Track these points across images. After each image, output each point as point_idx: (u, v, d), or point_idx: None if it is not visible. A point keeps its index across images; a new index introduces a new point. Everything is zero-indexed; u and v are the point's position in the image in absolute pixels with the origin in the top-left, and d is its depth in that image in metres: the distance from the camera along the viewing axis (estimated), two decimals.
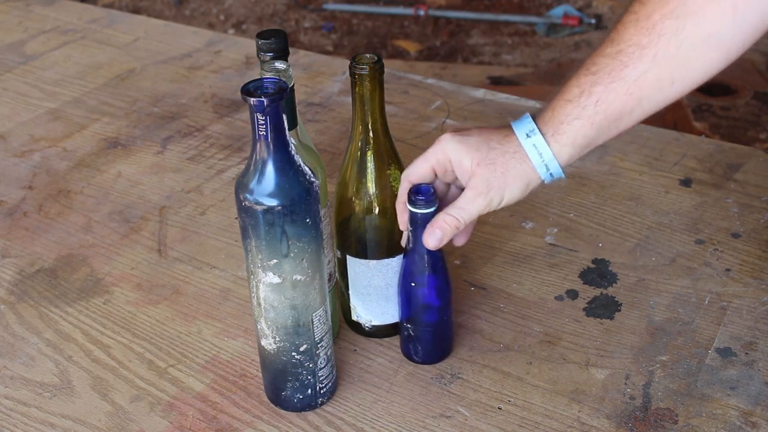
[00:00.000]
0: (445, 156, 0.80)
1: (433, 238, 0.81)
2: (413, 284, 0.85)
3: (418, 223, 0.82)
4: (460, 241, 0.85)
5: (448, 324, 0.89)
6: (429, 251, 0.83)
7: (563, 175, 0.80)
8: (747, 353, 0.90)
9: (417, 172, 0.82)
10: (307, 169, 0.75)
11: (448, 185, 0.85)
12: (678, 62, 0.74)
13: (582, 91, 0.77)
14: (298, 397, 0.84)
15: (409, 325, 0.88)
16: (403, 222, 0.84)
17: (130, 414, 0.87)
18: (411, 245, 0.84)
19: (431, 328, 0.88)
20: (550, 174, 0.80)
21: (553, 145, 0.78)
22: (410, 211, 0.82)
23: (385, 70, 0.82)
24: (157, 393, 0.89)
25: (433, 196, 0.81)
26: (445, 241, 0.81)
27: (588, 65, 0.77)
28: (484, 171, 0.79)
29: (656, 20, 0.73)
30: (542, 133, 0.78)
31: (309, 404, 0.85)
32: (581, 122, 0.77)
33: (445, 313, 0.88)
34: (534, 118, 0.79)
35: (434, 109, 1.37)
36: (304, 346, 0.81)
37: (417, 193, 0.81)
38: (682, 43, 0.73)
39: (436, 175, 0.82)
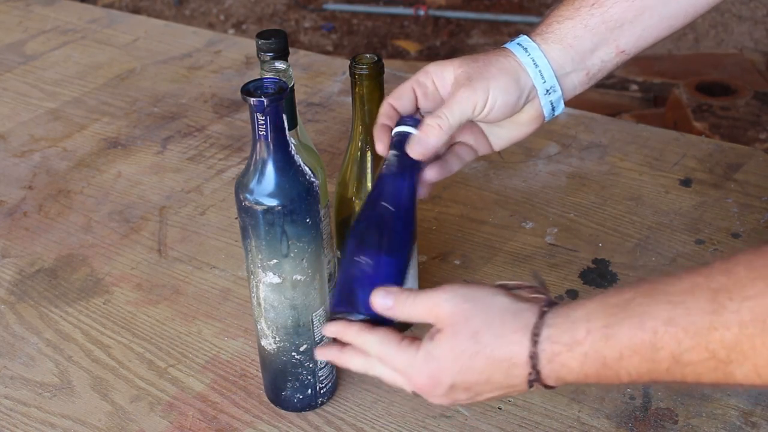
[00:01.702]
0: (426, 74, 0.75)
1: (418, 144, 0.72)
2: (386, 205, 0.72)
3: (403, 149, 0.73)
4: (433, 174, 0.75)
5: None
6: (410, 176, 0.73)
7: (556, 81, 0.74)
8: None
9: (397, 92, 0.76)
10: (307, 169, 0.75)
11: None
12: None
13: None
14: (298, 397, 0.84)
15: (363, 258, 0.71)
16: (382, 144, 0.74)
17: (130, 414, 0.87)
18: (389, 169, 0.73)
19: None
20: (540, 73, 0.73)
21: (540, 43, 0.74)
22: (396, 133, 0.74)
23: (385, 70, 0.82)
24: (157, 393, 0.89)
25: (421, 120, 0.73)
26: (431, 149, 0.73)
27: None
28: (465, 67, 0.73)
29: None
30: (530, 38, 0.74)
31: (309, 404, 0.85)
32: (573, 22, 0.73)
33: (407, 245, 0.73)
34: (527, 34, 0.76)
35: None
36: (304, 346, 0.81)
37: (405, 117, 0.74)
38: None
39: (417, 104, 0.76)
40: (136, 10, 3.80)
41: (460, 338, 0.62)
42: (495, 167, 1.21)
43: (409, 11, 3.65)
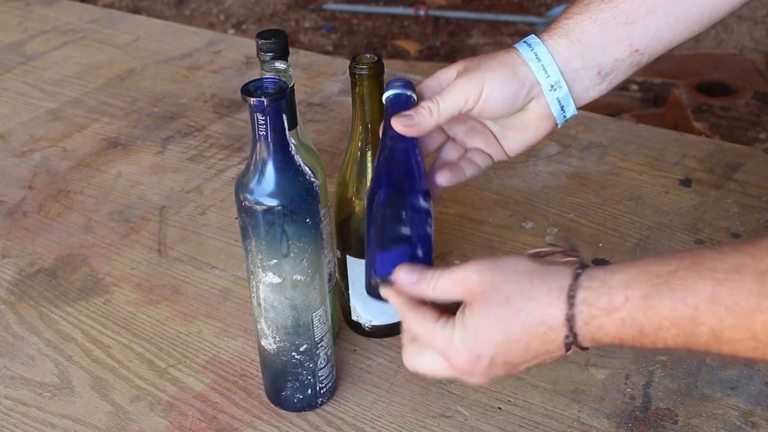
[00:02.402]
0: (434, 78, 0.75)
1: (405, 119, 0.71)
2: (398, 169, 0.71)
3: (390, 110, 0.72)
4: (445, 179, 0.75)
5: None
6: (398, 145, 0.72)
7: (561, 77, 0.73)
8: None
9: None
10: (307, 169, 0.75)
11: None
12: None
13: None
14: (298, 397, 0.84)
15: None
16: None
17: (130, 414, 0.87)
18: (386, 140, 0.73)
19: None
20: (543, 67, 0.72)
21: (546, 39, 0.73)
22: (386, 99, 0.73)
23: (385, 70, 0.82)
24: (157, 393, 0.89)
25: (412, 85, 0.73)
26: (415, 130, 0.71)
27: None
28: (466, 62, 0.73)
29: None
30: (538, 36, 0.74)
31: (309, 404, 0.85)
32: (582, 17, 0.72)
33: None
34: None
35: None
36: (304, 346, 0.81)
37: (394, 80, 0.74)
38: None
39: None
40: (136, 10, 3.80)
41: (494, 306, 0.61)
42: (495, 167, 1.21)
43: (409, 11, 3.65)
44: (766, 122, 2.49)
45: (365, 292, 0.71)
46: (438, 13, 3.65)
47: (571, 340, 0.60)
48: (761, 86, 2.64)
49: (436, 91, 0.75)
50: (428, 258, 0.68)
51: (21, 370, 0.93)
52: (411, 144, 0.72)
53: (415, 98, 0.74)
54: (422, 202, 0.70)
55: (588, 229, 1.09)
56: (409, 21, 3.66)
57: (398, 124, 0.71)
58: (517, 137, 0.78)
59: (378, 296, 0.69)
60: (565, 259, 0.63)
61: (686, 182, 1.16)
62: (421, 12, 3.62)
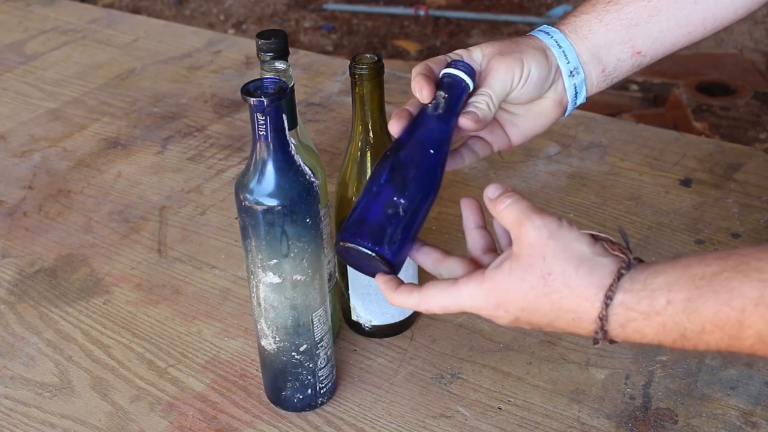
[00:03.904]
0: (457, 55, 0.75)
1: (470, 116, 0.71)
2: (432, 151, 0.70)
3: (453, 92, 0.71)
4: (467, 160, 0.76)
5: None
6: (454, 120, 0.71)
7: (577, 58, 0.75)
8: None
9: (433, 59, 0.75)
10: (307, 169, 0.75)
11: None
12: None
13: None
14: (298, 397, 0.84)
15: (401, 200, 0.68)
16: (428, 90, 0.71)
17: (130, 414, 0.87)
18: (435, 110, 0.71)
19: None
20: (564, 53, 0.74)
21: (560, 29, 0.76)
22: (446, 74, 0.72)
23: (385, 70, 0.82)
24: (157, 393, 0.89)
25: (475, 72, 0.72)
26: (481, 123, 0.72)
27: None
28: (493, 46, 0.74)
29: None
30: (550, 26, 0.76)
31: (309, 404, 0.85)
32: (588, 17, 0.75)
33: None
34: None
35: None
36: (304, 346, 0.81)
37: (457, 61, 0.72)
38: None
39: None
40: (136, 10, 3.80)
41: (532, 275, 0.61)
42: (495, 167, 1.21)
43: (409, 11, 3.65)
44: (766, 122, 2.49)
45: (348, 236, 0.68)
46: (438, 13, 3.65)
47: (600, 337, 0.60)
48: (761, 86, 2.64)
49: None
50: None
51: (21, 370, 0.93)
52: (451, 128, 0.72)
53: (471, 88, 0.73)
54: (438, 179, 0.71)
55: (588, 229, 1.08)
56: (409, 21, 3.66)
57: (468, 121, 0.71)
58: (526, 124, 0.78)
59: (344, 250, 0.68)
60: (615, 252, 0.62)
61: (686, 182, 1.16)
62: (421, 12, 3.62)
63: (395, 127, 0.71)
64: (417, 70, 0.73)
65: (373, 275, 0.70)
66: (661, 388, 0.86)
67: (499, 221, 0.66)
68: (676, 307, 0.57)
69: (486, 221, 0.69)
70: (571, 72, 0.75)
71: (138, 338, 0.96)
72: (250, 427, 0.85)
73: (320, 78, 1.48)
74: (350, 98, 0.84)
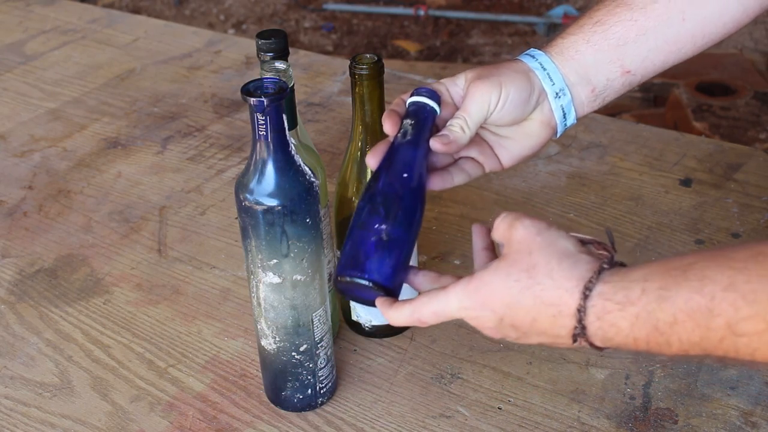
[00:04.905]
0: (440, 83, 0.76)
1: (440, 138, 0.72)
2: (402, 174, 0.71)
3: (419, 116, 0.73)
4: (434, 184, 0.75)
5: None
6: (424, 145, 0.72)
7: (565, 85, 0.74)
8: None
9: (406, 94, 0.75)
10: (307, 169, 0.75)
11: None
12: None
13: (584, 16, 0.76)
14: (298, 397, 0.84)
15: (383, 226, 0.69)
16: (391, 123, 0.73)
17: (130, 414, 0.87)
18: (404, 137, 0.73)
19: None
20: (549, 75, 0.74)
21: (546, 52, 0.76)
22: (411, 103, 0.73)
23: (385, 70, 0.82)
24: (157, 393, 0.89)
25: (438, 96, 0.74)
26: (453, 145, 0.72)
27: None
28: (474, 71, 0.74)
29: None
30: (537, 49, 0.76)
31: (309, 404, 0.85)
32: (575, 38, 0.75)
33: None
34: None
35: None
36: (304, 346, 0.81)
37: (420, 88, 0.74)
38: None
39: None
40: (136, 10, 3.80)
41: (517, 268, 0.62)
42: None
43: (409, 11, 3.65)
44: (766, 122, 2.49)
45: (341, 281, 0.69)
46: (438, 13, 3.65)
47: (579, 332, 0.60)
48: (761, 86, 2.64)
49: (445, 97, 0.75)
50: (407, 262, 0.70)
51: (21, 370, 0.93)
52: (422, 152, 0.73)
53: (439, 111, 0.74)
54: (419, 208, 0.72)
55: (588, 229, 1.09)
56: (409, 21, 3.67)
57: (437, 144, 0.72)
58: (515, 146, 0.78)
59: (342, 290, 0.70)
60: (599, 251, 0.63)
61: (686, 182, 1.16)
62: (421, 12, 3.62)
63: (371, 161, 0.72)
64: (391, 105, 0.75)
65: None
66: (661, 388, 0.86)
67: (496, 238, 0.67)
68: (650, 296, 0.57)
69: (495, 246, 0.70)
70: (557, 93, 0.75)
71: (138, 338, 0.96)
72: (250, 427, 0.85)
73: (320, 78, 1.48)
74: (350, 98, 0.84)
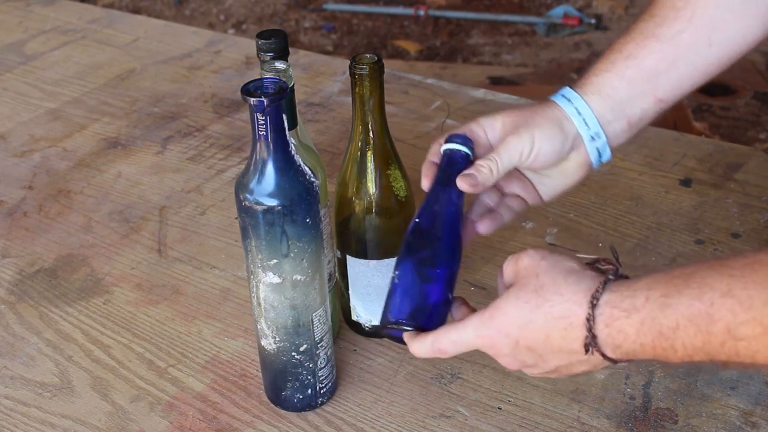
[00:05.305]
0: (478, 124, 0.78)
1: (469, 179, 0.74)
2: (439, 218, 0.75)
3: (453, 162, 0.76)
4: (485, 228, 0.79)
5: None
6: (451, 202, 0.76)
7: (600, 128, 0.76)
8: None
9: (441, 138, 0.79)
10: (307, 169, 0.75)
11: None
12: (715, 24, 0.75)
13: (613, 50, 0.77)
14: (298, 397, 0.84)
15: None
16: (428, 180, 0.77)
17: (130, 414, 0.87)
18: (439, 184, 0.77)
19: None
20: (584, 120, 0.76)
21: (581, 94, 0.77)
22: (445, 151, 0.76)
23: (385, 70, 0.82)
24: (157, 393, 0.89)
25: (470, 141, 0.76)
26: (479, 187, 0.75)
27: (625, 33, 0.77)
28: (512, 117, 0.77)
29: None
30: (572, 89, 0.78)
31: (309, 404, 0.85)
32: (609, 74, 0.76)
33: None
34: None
35: (434, 109, 1.37)
36: (304, 346, 0.81)
37: (453, 135, 0.77)
38: (719, 6, 0.74)
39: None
40: (136, 10, 3.80)
41: (526, 290, 0.65)
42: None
43: (409, 11, 3.65)
44: (766, 122, 2.49)
45: (383, 327, 0.73)
46: (438, 13, 3.65)
47: (590, 341, 0.62)
48: (761, 86, 2.64)
49: (482, 138, 0.78)
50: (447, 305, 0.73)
51: (21, 370, 0.93)
52: (459, 196, 0.76)
53: (472, 156, 0.76)
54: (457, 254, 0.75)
55: (588, 229, 1.09)
56: (409, 21, 3.66)
57: (464, 184, 0.74)
58: (553, 184, 0.80)
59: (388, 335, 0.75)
60: (606, 266, 0.66)
61: (686, 182, 1.16)
62: (421, 12, 3.62)
63: (425, 183, 0.77)
64: (429, 153, 0.78)
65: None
66: (661, 388, 0.86)
67: (507, 279, 0.70)
68: (654, 303, 0.59)
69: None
70: (592, 137, 0.77)
71: (138, 338, 0.96)
72: (250, 427, 0.85)
73: (320, 78, 1.48)
74: (350, 98, 0.84)
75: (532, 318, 0.64)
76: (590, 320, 0.62)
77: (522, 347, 0.66)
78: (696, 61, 0.77)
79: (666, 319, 0.58)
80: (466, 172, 0.75)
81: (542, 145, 0.75)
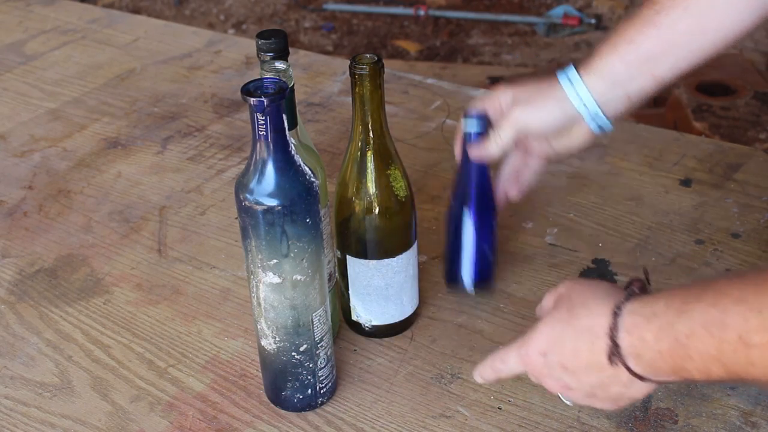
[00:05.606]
0: (494, 96, 0.89)
1: (478, 150, 0.88)
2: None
3: (468, 137, 0.90)
4: (514, 192, 0.93)
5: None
6: (475, 170, 0.91)
7: (598, 109, 0.85)
8: None
9: (473, 106, 0.90)
10: (307, 169, 0.75)
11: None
12: (709, 14, 0.82)
13: (615, 34, 0.85)
14: (298, 397, 0.84)
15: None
16: (458, 150, 0.92)
17: (130, 414, 0.87)
18: (464, 159, 0.92)
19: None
20: (585, 104, 0.85)
21: (583, 75, 0.85)
22: (466, 125, 0.90)
23: (385, 70, 0.82)
24: (157, 393, 0.89)
25: (485, 116, 0.89)
26: (486, 158, 0.89)
27: (628, 17, 0.85)
28: (514, 90, 0.88)
29: None
30: (576, 70, 0.85)
31: (309, 404, 0.85)
32: (611, 58, 0.84)
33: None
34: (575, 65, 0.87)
35: (434, 109, 1.37)
36: (304, 346, 0.81)
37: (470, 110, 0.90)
38: None
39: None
40: (136, 10, 3.80)
41: (560, 311, 0.70)
42: (495, 167, 1.21)
43: (409, 11, 3.65)
44: (766, 122, 2.49)
45: (455, 285, 0.95)
46: (438, 13, 3.65)
47: (613, 351, 0.64)
48: (761, 86, 2.64)
49: (497, 107, 0.89)
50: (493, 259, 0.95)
51: (21, 370, 0.93)
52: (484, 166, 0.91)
53: (484, 129, 0.89)
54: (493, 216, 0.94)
55: (588, 229, 1.09)
56: (409, 21, 3.67)
57: (472, 155, 0.89)
58: (561, 147, 0.90)
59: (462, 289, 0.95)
60: (636, 285, 0.69)
61: (686, 182, 1.16)
62: (421, 12, 3.62)
63: (457, 150, 0.92)
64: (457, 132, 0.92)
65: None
66: (661, 387, 0.86)
67: (546, 306, 0.75)
68: (671, 310, 0.62)
69: None
70: (591, 116, 0.85)
71: (138, 338, 0.96)
72: (250, 427, 0.85)
73: (320, 78, 1.48)
74: (350, 98, 0.84)
75: (562, 334, 0.69)
76: (613, 329, 0.64)
77: (555, 363, 0.69)
78: (692, 46, 0.84)
79: (681, 325, 0.60)
80: (477, 145, 0.88)
81: (542, 122, 0.86)
